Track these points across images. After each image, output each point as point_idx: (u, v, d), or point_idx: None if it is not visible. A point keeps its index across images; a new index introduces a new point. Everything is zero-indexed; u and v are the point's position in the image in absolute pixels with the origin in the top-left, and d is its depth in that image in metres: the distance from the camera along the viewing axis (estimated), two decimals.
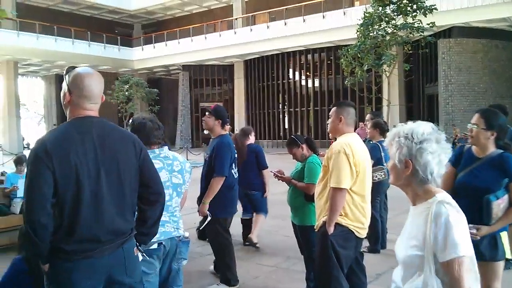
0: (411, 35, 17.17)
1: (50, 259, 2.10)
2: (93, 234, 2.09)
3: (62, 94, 2.23)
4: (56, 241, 2.07)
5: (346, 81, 19.57)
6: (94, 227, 2.09)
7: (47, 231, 2.03)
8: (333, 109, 3.40)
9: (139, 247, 2.37)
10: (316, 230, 3.37)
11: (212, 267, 5.07)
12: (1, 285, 3.60)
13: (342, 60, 18.52)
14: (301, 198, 4.13)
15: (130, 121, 3.14)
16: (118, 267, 2.17)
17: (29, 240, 2.06)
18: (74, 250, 2.07)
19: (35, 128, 60.90)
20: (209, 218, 4.37)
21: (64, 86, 2.22)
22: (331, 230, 3.14)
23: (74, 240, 2.07)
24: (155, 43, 32.20)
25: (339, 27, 23.12)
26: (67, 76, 2.23)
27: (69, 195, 2.05)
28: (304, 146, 4.24)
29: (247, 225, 6.29)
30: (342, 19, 23.17)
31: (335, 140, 3.40)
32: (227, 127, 4.79)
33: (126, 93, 28.43)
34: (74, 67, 2.30)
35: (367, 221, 3.31)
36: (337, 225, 3.16)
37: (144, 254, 2.49)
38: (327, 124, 3.44)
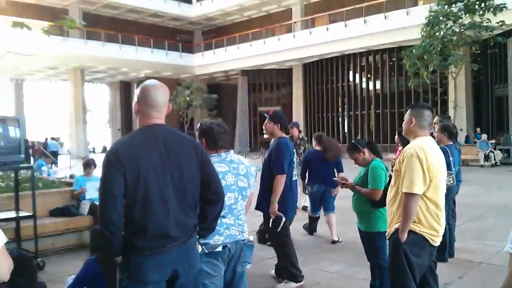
0: (479, 34, 16.38)
1: (123, 253, 2.32)
2: (161, 231, 2.30)
3: (133, 105, 2.51)
4: (128, 237, 2.29)
5: (410, 83, 18.98)
6: (163, 224, 2.30)
7: (119, 228, 2.27)
8: (407, 111, 3.30)
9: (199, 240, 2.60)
10: (387, 238, 3.24)
11: (273, 271, 5.04)
12: (75, 284, 3.73)
13: (405, 61, 17.98)
14: (366, 204, 4.03)
15: (198, 125, 3.19)
16: (183, 261, 2.38)
17: (103, 237, 2.29)
18: (145, 246, 2.28)
19: (100, 133, 63.74)
20: (283, 219, 4.50)
21: (135, 97, 2.50)
22: (404, 237, 3.02)
23: (144, 236, 2.28)
24: (215, 48, 32.77)
25: (401, 28, 22.46)
26: (137, 88, 2.49)
27: (139, 196, 2.27)
28: (365, 150, 4.15)
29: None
30: (405, 19, 22.49)
31: (402, 144, 3.28)
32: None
33: (187, 98, 29.14)
34: (144, 80, 2.54)
35: (441, 229, 3.15)
36: (410, 232, 3.03)
37: (203, 247, 2.74)
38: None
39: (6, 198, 5.99)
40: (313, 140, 7.20)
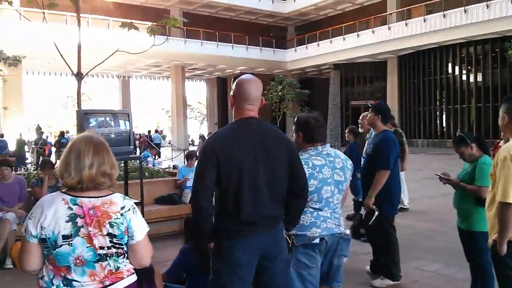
0: None
1: (215, 238, 2.50)
2: (251, 218, 2.45)
3: (229, 98, 2.66)
4: (221, 223, 2.49)
5: None
6: (253, 212, 2.45)
7: (208, 213, 2.45)
8: (502, 105, 2.93)
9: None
10: (489, 247, 2.96)
11: (368, 267, 4.99)
12: (172, 270, 4.02)
13: (511, 52, 16.66)
14: (470, 201, 3.78)
15: (295, 118, 3.24)
16: (271, 245, 2.53)
17: (194, 222, 2.53)
18: (236, 231, 2.46)
19: (198, 126, 66.41)
20: (376, 213, 4.40)
21: (231, 91, 2.64)
22: (503, 250, 2.75)
23: (236, 222, 2.46)
24: (307, 43, 32.74)
25: (505, 16, 20.86)
26: (233, 83, 2.62)
27: (232, 186, 2.43)
28: (473, 145, 3.88)
29: None
30: (509, 7, 20.84)
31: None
32: (388, 125, 4.75)
33: (279, 93, 29.44)
34: (239, 75, 2.66)
35: None
36: (511, 243, 2.76)
37: (287, 237, 2.85)
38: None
39: (117, 186, 6.52)
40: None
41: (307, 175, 2.80)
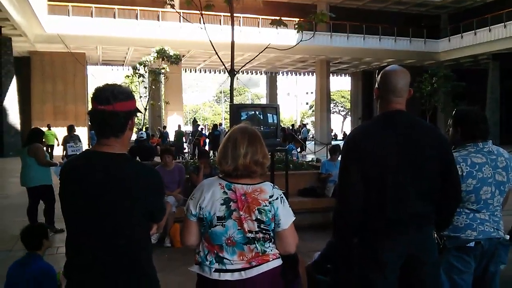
0: None
1: (360, 235, 2.43)
2: (397, 216, 2.32)
3: (374, 91, 2.53)
4: (365, 220, 2.37)
5: None
6: (398, 210, 2.31)
7: (354, 210, 2.36)
8: None
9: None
10: None
11: None
12: (317, 261, 4.08)
13: None
14: None
15: (454, 112, 3.02)
16: (418, 246, 2.35)
17: (339, 217, 2.45)
18: (380, 229, 2.35)
19: (341, 121, 65.98)
20: None
21: (376, 83, 2.52)
22: None
23: (380, 220, 2.34)
24: (462, 32, 30.30)
25: None
26: (378, 75, 2.51)
27: (375, 181, 2.32)
28: None
29: None
30: None
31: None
32: None
33: (430, 87, 27.78)
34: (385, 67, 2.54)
35: None
36: None
37: (438, 239, 2.69)
38: None
39: (264, 177, 6.84)
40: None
41: (465, 173, 2.65)
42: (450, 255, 2.76)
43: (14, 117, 23.14)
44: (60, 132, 19.58)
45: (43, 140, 7.78)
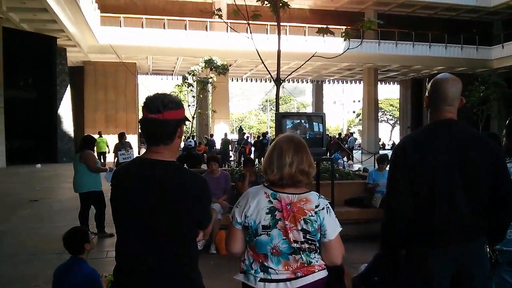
0: None
1: (407, 244, 2.37)
2: (444, 226, 2.25)
3: (424, 99, 2.48)
4: (413, 229, 2.31)
5: None
6: (447, 220, 2.24)
7: (402, 219, 2.30)
8: None
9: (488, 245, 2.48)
10: None
11: None
12: (364, 273, 4.00)
13: None
14: None
15: (508, 121, 2.91)
16: (469, 260, 2.27)
17: (387, 226, 2.40)
18: (428, 238, 2.29)
19: (389, 130, 64.72)
20: None
21: (426, 91, 2.48)
22: None
23: (429, 230, 2.28)
24: None
25: None
26: (428, 83, 2.47)
27: (423, 190, 2.26)
28: None
29: None
30: None
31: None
32: None
33: (481, 94, 26.82)
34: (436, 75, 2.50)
35: None
36: None
37: (491, 252, 2.59)
38: None
39: (310, 186, 6.80)
40: None
41: None
42: (502, 269, 2.66)
43: (67, 125, 24.13)
44: (112, 139, 20.23)
45: (95, 147, 8.04)
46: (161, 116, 1.95)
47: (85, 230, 3.76)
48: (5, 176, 16.28)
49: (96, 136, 17.12)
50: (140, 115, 2.11)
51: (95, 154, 8.23)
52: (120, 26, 25.73)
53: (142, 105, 2.03)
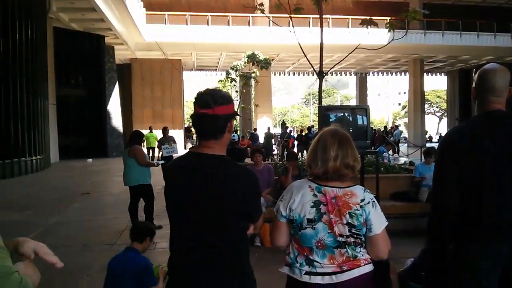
0: None
1: (455, 239, 2.31)
2: (494, 222, 2.18)
3: (472, 90, 2.42)
4: (460, 224, 2.26)
5: None
6: (496, 215, 2.18)
7: (449, 213, 2.26)
8: None
9: None
10: None
11: None
12: (410, 269, 3.94)
13: None
14: None
15: None
16: None
17: (433, 220, 2.35)
18: (476, 234, 2.21)
19: (437, 122, 62.92)
20: None
21: (473, 83, 2.41)
22: None
23: (476, 225, 2.21)
24: None
25: None
26: (475, 74, 2.40)
27: (471, 184, 2.21)
28: None
29: None
30: None
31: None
32: None
33: None
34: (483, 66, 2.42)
35: None
36: None
37: None
38: None
39: (355, 180, 6.75)
40: None
41: None
42: None
43: (116, 121, 24.86)
44: (159, 134, 20.72)
45: (144, 142, 8.25)
46: (212, 111, 1.99)
47: (153, 228, 3.96)
48: (58, 170, 16.99)
49: (146, 131, 17.56)
50: (186, 110, 2.16)
51: (145, 149, 8.45)
52: (165, 24, 26.20)
53: (194, 100, 2.08)
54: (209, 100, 2.00)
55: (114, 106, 24.81)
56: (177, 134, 20.95)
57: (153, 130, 21.68)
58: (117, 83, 25.40)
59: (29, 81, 15.35)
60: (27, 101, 15.22)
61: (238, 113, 2.23)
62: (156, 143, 20.00)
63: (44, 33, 17.67)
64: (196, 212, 1.99)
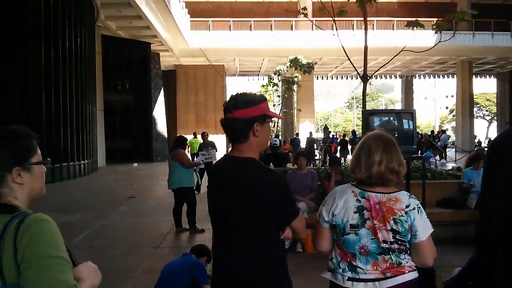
0: None
1: (504, 248, 2.16)
2: None
3: None
4: (510, 232, 2.12)
5: None
6: None
7: (499, 220, 2.12)
8: None
9: None
10: None
11: None
12: (457, 278, 3.81)
13: None
14: None
15: None
16: None
17: (480, 227, 2.22)
18: None
19: (486, 126, 60.71)
20: None
21: None
22: None
23: None
24: None
25: None
26: None
27: None
28: None
29: None
30: None
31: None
32: None
33: None
34: None
35: None
36: None
37: None
38: None
39: (400, 186, 6.62)
40: None
41: None
42: None
43: (161, 126, 25.39)
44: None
45: (188, 147, 8.43)
46: (231, 115, 2.04)
47: (210, 251, 4.24)
48: (105, 174, 17.49)
49: (190, 136, 17.82)
50: None
51: (189, 154, 8.60)
52: (209, 30, 26.59)
53: None
54: (230, 104, 2.06)
55: (159, 111, 25.34)
56: (220, 139, 21.16)
57: (197, 136, 22.01)
58: (162, 89, 25.95)
59: (79, 88, 15.94)
60: (76, 107, 15.79)
61: (273, 117, 2.21)
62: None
63: (93, 41, 18.32)
64: (227, 214, 2.02)
